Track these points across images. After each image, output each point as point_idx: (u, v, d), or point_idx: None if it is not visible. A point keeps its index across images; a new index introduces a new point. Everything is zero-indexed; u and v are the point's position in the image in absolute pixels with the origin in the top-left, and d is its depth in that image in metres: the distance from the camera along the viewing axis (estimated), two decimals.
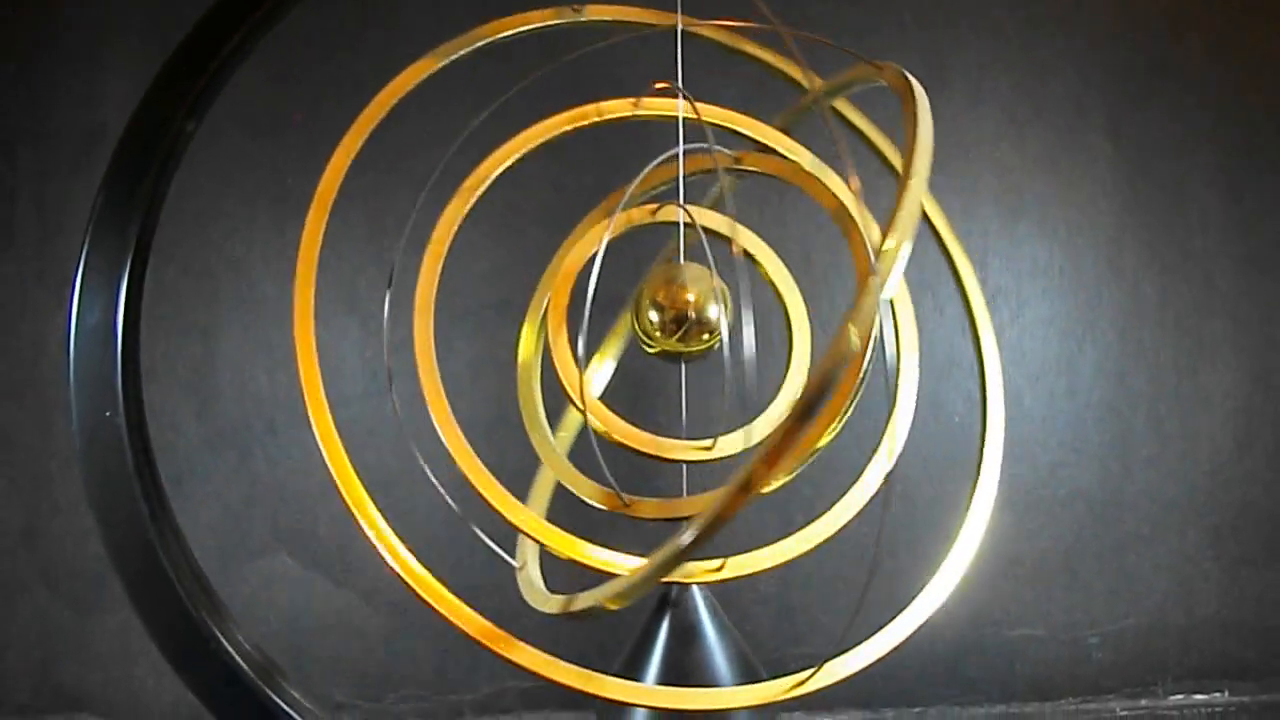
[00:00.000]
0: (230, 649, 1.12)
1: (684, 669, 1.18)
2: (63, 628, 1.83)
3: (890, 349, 1.20)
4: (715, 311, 1.11)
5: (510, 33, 1.19)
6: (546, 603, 1.13)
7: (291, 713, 1.13)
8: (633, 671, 1.19)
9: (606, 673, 1.11)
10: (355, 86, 1.79)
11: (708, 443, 1.13)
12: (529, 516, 1.12)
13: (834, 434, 1.05)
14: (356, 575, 1.83)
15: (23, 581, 1.83)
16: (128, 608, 1.13)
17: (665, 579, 1.09)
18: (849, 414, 1.03)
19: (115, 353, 1.06)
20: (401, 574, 1.08)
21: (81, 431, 1.08)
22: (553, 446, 1.16)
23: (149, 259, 1.09)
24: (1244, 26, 1.85)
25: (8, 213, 1.79)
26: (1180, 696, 1.86)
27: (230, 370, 1.80)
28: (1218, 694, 1.86)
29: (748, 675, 1.19)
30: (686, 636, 1.19)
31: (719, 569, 1.15)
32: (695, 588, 1.23)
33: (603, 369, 1.40)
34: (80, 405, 1.07)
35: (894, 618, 1.20)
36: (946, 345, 1.80)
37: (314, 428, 1.06)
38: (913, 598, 1.25)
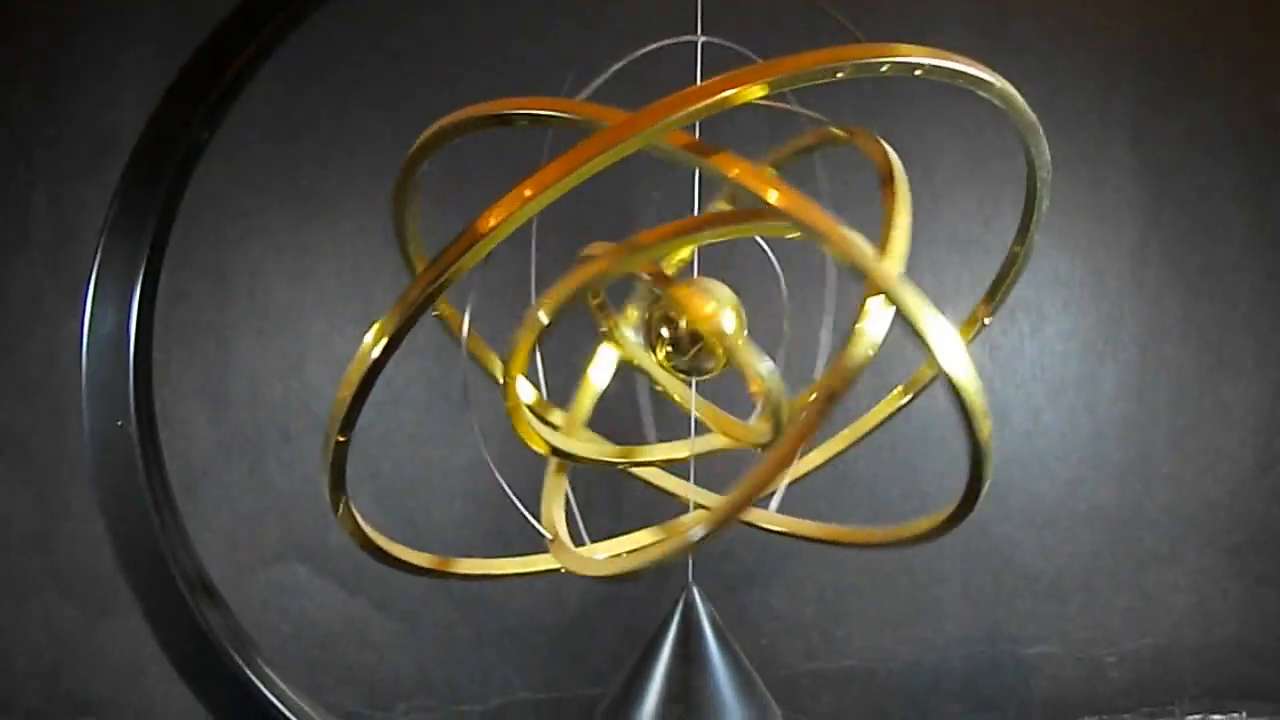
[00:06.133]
0: (239, 660, 1.11)
1: (687, 684, 1.17)
2: (73, 632, 1.83)
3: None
4: (730, 326, 1.06)
5: None
6: (593, 566, 1.11)
7: None
8: (637, 684, 1.18)
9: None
10: (373, 91, 1.79)
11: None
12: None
13: None
14: (368, 584, 1.82)
15: (34, 585, 1.82)
16: (139, 614, 1.12)
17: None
18: None
19: (128, 362, 1.05)
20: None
21: (93, 441, 1.07)
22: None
23: (162, 268, 1.08)
24: (1270, 39, 1.83)
25: (23, 215, 1.79)
26: (1198, 717, 1.85)
27: (244, 376, 1.80)
28: (1235, 714, 1.85)
29: (749, 690, 1.18)
30: (689, 652, 1.18)
31: None
32: (702, 607, 1.21)
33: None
34: (92, 415, 1.06)
35: None
36: None
37: None
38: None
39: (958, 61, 0.96)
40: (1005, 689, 1.84)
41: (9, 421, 1.80)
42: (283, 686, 1.14)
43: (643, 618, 1.78)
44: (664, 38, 1.11)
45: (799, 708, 1.83)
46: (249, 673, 1.12)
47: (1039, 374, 1.81)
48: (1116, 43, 1.82)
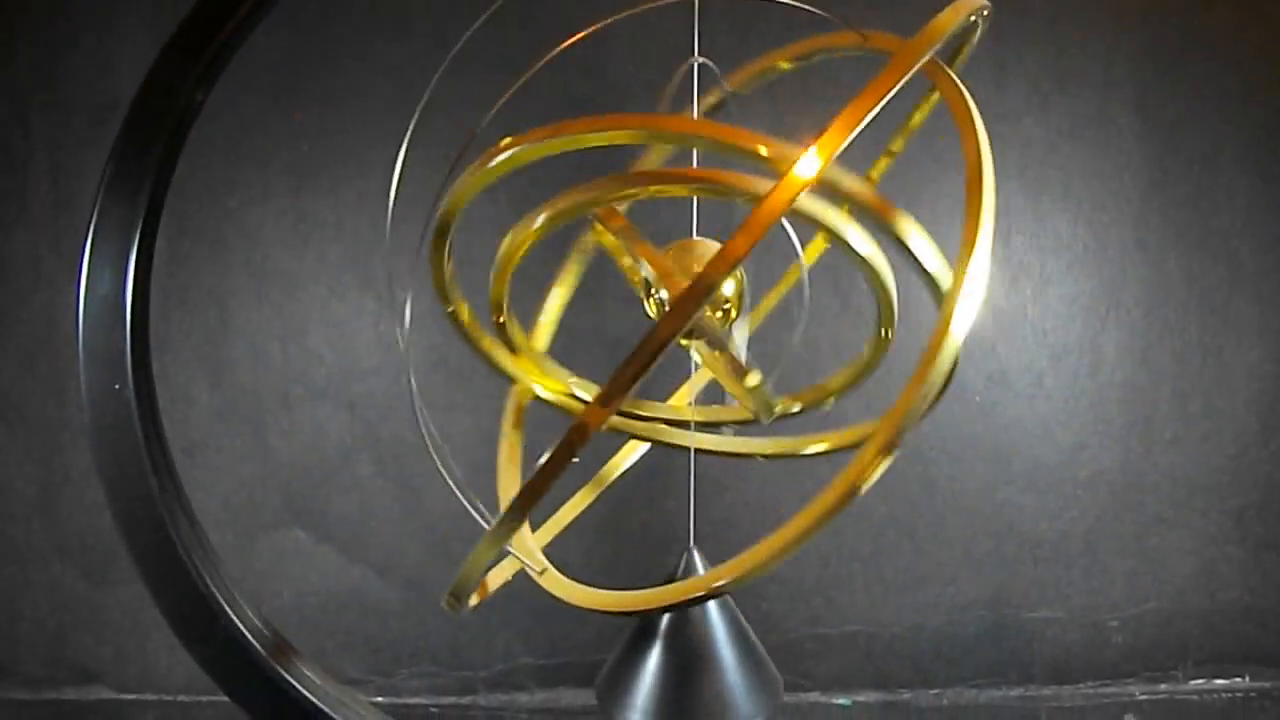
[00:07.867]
0: (240, 625, 1.11)
1: (688, 654, 1.16)
2: (76, 599, 1.83)
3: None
4: (729, 287, 1.04)
5: None
6: (589, 598, 1.10)
7: (301, 689, 1.12)
8: (635, 654, 1.17)
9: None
10: (373, 57, 1.77)
11: None
12: None
13: None
14: (369, 550, 1.82)
15: (36, 551, 1.83)
16: (141, 580, 1.12)
17: None
18: None
19: (124, 325, 1.04)
20: None
21: (91, 404, 1.06)
22: None
23: (159, 230, 1.07)
24: None
25: (21, 181, 1.78)
26: (1201, 681, 1.85)
27: (244, 341, 1.79)
28: (1239, 679, 1.85)
29: (751, 658, 1.17)
30: (689, 619, 1.17)
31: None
32: (702, 571, 1.19)
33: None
34: (90, 378, 1.06)
35: None
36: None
37: None
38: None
39: None
40: (1008, 654, 1.84)
41: (9, 388, 1.80)
42: (285, 652, 1.14)
43: (645, 583, 1.78)
44: None
45: (801, 672, 1.83)
46: (249, 636, 1.11)
47: (1041, 338, 1.80)
48: (1120, 3, 1.80)
